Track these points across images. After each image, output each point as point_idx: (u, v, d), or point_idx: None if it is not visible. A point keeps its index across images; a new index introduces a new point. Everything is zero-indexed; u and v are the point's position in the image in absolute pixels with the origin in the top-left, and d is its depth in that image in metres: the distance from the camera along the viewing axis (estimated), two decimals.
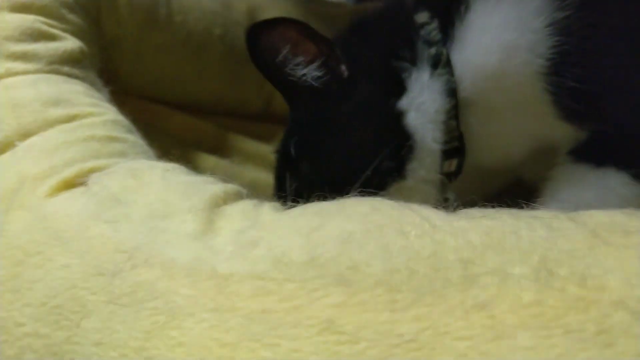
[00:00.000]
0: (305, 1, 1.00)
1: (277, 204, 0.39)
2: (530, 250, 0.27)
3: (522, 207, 0.35)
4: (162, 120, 0.84)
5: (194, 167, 0.79)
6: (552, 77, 0.49)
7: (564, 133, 0.53)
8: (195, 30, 0.83)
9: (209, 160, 0.81)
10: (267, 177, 0.77)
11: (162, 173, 0.43)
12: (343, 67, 0.55)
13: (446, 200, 0.59)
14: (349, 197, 0.36)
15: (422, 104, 0.54)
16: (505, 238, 0.28)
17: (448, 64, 0.54)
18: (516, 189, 0.67)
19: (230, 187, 0.43)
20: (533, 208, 0.35)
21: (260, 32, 0.54)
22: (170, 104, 0.86)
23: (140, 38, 0.79)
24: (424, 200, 0.57)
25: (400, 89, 0.55)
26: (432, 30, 0.56)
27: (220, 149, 0.87)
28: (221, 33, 0.86)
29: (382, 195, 0.53)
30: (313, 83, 0.54)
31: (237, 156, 0.87)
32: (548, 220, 0.30)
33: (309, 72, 0.54)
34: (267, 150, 0.79)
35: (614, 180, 0.50)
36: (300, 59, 0.54)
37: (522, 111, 0.53)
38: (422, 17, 0.58)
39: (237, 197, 0.42)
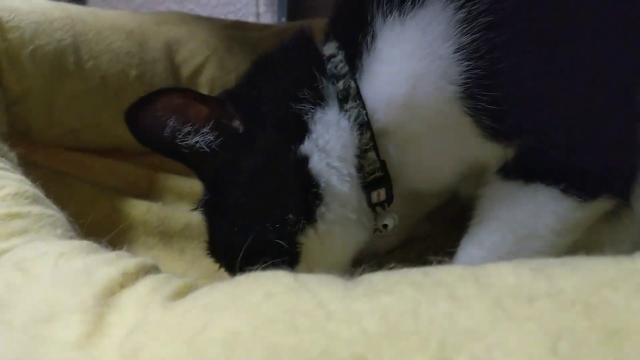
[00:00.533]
0: (226, 28, 0.97)
1: (175, 285, 0.36)
2: (429, 335, 0.25)
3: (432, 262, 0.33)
4: (85, 169, 0.80)
5: (125, 215, 0.78)
6: (468, 101, 0.48)
7: (492, 152, 0.52)
8: (109, 74, 0.79)
9: (140, 206, 0.77)
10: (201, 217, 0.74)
11: (54, 261, 0.39)
12: (237, 123, 0.53)
13: (385, 226, 0.58)
14: (246, 275, 0.33)
15: (327, 144, 0.52)
16: (403, 321, 0.26)
17: (358, 96, 0.52)
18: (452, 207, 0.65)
19: (134, 263, 0.39)
20: (442, 263, 0.33)
21: (140, 109, 0.51)
22: (93, 151, 0.82)
23: (50, 90, 0.75)
24: (356, 235, 0.56)
25: (302, 132, 0.52)
26: (339, 63, 0.54)
27: (151, 192, 0.83)
28: (138, 73, 0.82)
29: (301, 246, 0.52)
30: (207, 149, 0.52)
31: (169, 196, 0.83)
32: (452, 288, 0.28)
33: (201, 138, 0.51)
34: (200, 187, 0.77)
35: (544, 195, 0.50)
36: (188, 127, 0.51)
37: (445, 135, 0.52)
38: (329, 48, 0.56)
39: (141, 273, 0.39)
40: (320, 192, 0.52)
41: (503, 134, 0.50)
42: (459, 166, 0.55)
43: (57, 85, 0.75)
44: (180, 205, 0.82)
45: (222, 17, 1.48)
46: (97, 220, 0.71)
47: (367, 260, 0.73)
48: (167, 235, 0.76)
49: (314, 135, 0.52)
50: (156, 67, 0.85)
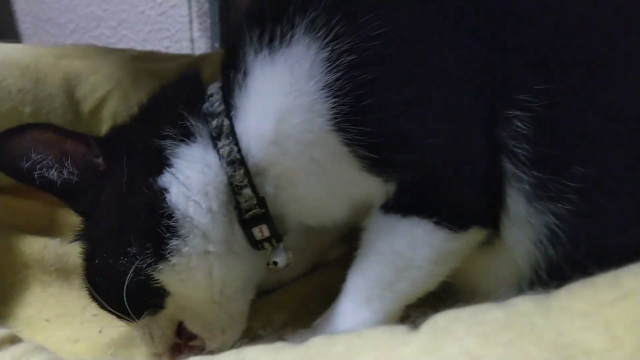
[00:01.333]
0: (134, 59, 0.96)
1: None
2: None
3: None
4: None
5: (20, 253, 0.76)
6: (340, 133, 0.49)
7: (373, 187, 0.53)
8: (1, 112, 0.78)
9: (37, 242, 0.74)
10: None
11: None
12: (99, 160, 0.55)
13: (275, 263, 0.58)
14: None
15: (187, 178, 0.53)
16: None
17: (232, 134, 0.53)
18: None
19: None
20: None
21: (7, 139, 0.53)
22: None
23: None
24: (232, 271, 0.55)
25: (161, 167, 0.53)
26: (215, 101, 0.55)
27: (50, 228, 0.81)
28: (32, 110, 0.80)
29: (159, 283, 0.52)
30: (65, 183, 0.54)
31: (69, 232, 0.82)
32: None
33: (61, 173, 0.54)
34: None
35: (419, 228, 0.52)
36: (48, 161, 0.54)
37: (324, 169, 0.52)
38: (213, 87, 0.56)
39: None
40: (175, 224, 0.51)
41: (379, 165, 0.51)
42: (344, 201, 0.55)
43: None
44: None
45: (157, 42, 1.48)
46: None
47: (272, 288, 0.72)
48: (65, 272, 0.72)
49: (174, 169, 0.53)
50: (53, 103, 0.82)
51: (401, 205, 0.52)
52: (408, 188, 0.52)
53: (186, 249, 0.52)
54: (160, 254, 0.51)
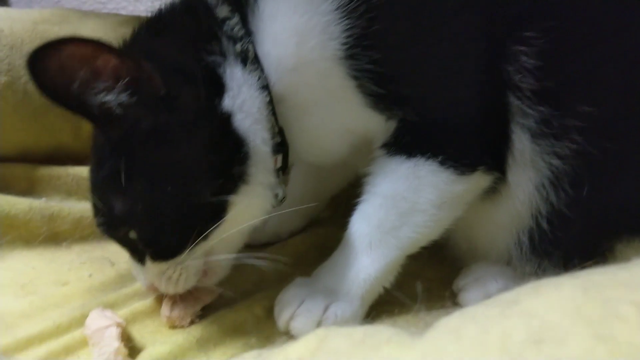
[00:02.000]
0: (120, 24, 0.88)
1: None
2: None
3: None
4: None
5: (5, 214, 0.69)
6: (350, 62, 0.49)
7: (376, 123, 0.53)
8: None
9: (21, 203, 0.71)
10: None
11: None
12: (155, 83, 0.48)
13: (276, 196, 0.57)
14: None
15: (244, 103, 0.51)
16: None
17: (256, 59, 0.51)
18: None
19: None
20: None
21: (45, 57, 0.45)
22: None
23: None
24: (263, 203, 0.54)
25: (220, 89, 0.51)
26: (235, 25, 0.52)
27: (31, 191, 0.77)
28: (8, 80, 0.74)
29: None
30: (118, 109, 0.48)
31: (56, 195, 0.78)
32: None
33: (114, 97, 0.47)
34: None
35: (424, 169, 0.52)
36: (101, 83, 0.47)
37: (332, 103, 0.52)
38: (222, 11, 0.53)
39: None
40: (240, 149, 0.51)
41: (384, 101, 0.51)
42: (346, 137, 0.55)
43: None
44: (69, 201, 0.78)
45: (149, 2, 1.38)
46: None
47: (270, 240, 0.73)
48: (54, 235, 0.72)
49: (231, 93, 0.51)
50: None
51: (406, 145, 0.52)
52: (412, 126, 0.51)
53: (261, 176, 0.52)
54: (227, 180, 0.50)
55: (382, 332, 0.34)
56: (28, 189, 0.77)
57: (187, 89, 0.49)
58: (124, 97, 0.47)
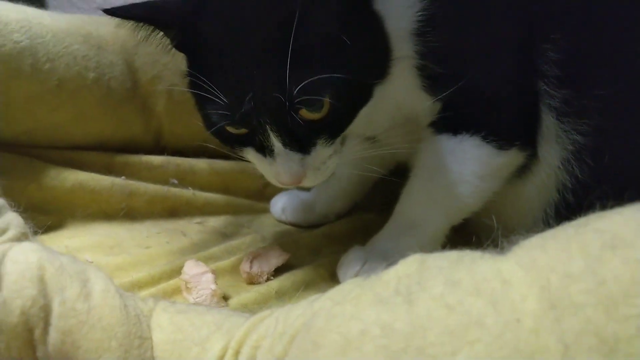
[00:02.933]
0: None
1: None
2: None
3: None
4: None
5: (90, 189, 0.78)
6: (420, 38, 0.58)
7: (423, 104, 0.61)
8: (66, 77, 0.80)
9: (105, 180, 0.80)
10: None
11: None
12: None
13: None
14: None
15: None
16: None
17: None
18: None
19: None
20: None
21: None
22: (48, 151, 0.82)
23: (5, 90, 0.75)
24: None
25: None
26: None
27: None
28: (95, 76, 0.83)
29: None
30: None
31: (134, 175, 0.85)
32: None
33: None
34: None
35: (468, 144, 0.60)
36: None
37: (393, 77, 0.59)
38: None
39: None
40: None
41: (438, 82, 0.59)
42: (393, 113, 0.63)
43: (13, 86, 0.76)
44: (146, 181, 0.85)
45: None
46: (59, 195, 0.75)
47: (319, 221, 0.81)
48: (132, 211, 0.80)
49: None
50: (114, 70, 0.86)
51: (451, 123, 0.60)
52: (457, 106, 0.60)
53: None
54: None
55: (473, 253, 0.38)
56: (106, 174, 0.84)
57: None
58: None
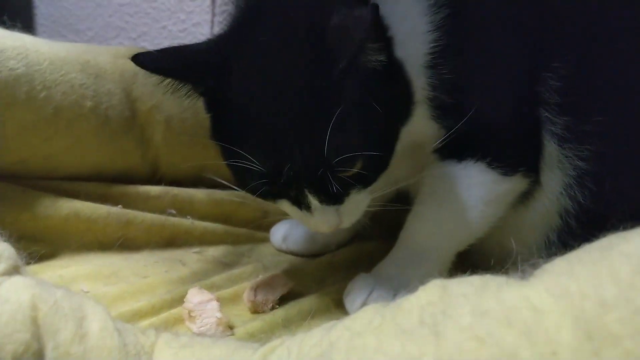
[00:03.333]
0: None
1: None
2: None
3: None
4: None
5: (86, 218, 0.74)
6: (431, 71, 0.59)
7: (431, 132, 0.62)
8: (63, 105, 0.79)
9: (101, 209, 0.78)
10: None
11: None
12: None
13: None
14: None
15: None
16: None
17: None
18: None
19: None
20: None
21: None
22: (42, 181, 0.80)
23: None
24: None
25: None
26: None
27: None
28: (93, 105, 0.82)
29: None
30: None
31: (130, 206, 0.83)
32: None
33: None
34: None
35: (474, 170, 0.61)
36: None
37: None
38: None
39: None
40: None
41: (447, 111, 0.61)
42: (403, 139, 0.62)
43: (8, 114, 0.74)
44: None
45: None
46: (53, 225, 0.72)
47: (321, 251, 0.79)
48: (128, 241, 0.77)
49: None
50: (112, 99, 0.85)
51: (457, 150, 0.61)
52: (463, 133, 0.60)
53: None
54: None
55: (497, 278, 0.37)
56: (102, 204, 0.81)
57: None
58: None
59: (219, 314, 0.55)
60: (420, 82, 0.59)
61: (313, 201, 0.54)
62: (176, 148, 0.92)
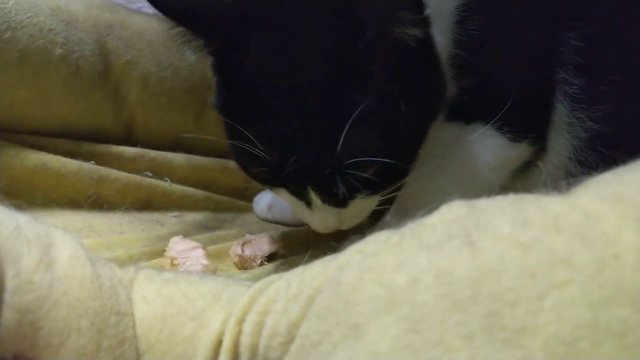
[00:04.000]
0: (161, 21, 0.91)
1: None
2: None
3: None
4: None
5: (54, 171, 0.68)
6: (459, 25, 0.56)
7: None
8: (30, 50, 0.72)
9: (72, 163, 0.71)
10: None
11: None
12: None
13: None
14: None
15: None
16: None
17: None
18: None
19: None
20: None
21: None
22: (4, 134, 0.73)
23: None
24: None
25: None
26: None
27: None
28: (63, 52, 0.75)
29: None
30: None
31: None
32: None
33: None
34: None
35: (482, 133, 0.57)
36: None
37: None
38: None
39: None
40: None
41: (462, 74, 0.58)
42: None
43: None
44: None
45: None
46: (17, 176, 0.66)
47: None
48: (100, 199, 0.71)
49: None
50: (84, 49, 0.78)
51: (466, 112, 0.58)
52: (474, 95, 0.58)
53: None
54: None
55: (532, 194, 0.33)
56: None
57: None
58: None
59: (204, 261, 0.50)
60: (444, 39, 0.56)
61: (315, 199, 0.50)
62: (153, 110, 0.86)
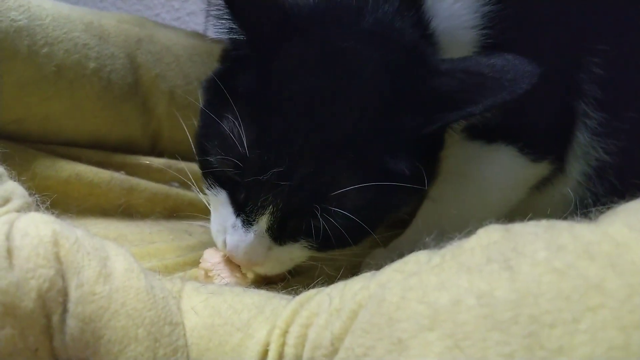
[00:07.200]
0: (188, 36, 0.94)
1: None
2: None
3: None
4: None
5: (88, 181, 0.70)
6: (483, 31, 0.56)
7: None
8: (66, 64, 0.74)
9: (104, 173, 0.73)
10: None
11: None
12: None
13: None
14: None
15: None
16: None
17: None
18: None
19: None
20: None
21: None
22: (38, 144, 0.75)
23: None
24: None
25: None
26: None
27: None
28: (96, 66, 0.78)
29: None
30: None
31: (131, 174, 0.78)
32: None
33: None
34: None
35: (504, 153, 0.59)
36: None
37: None
38: None
39: None
40: None
41: None
42: None
43: (7, 68, 0.69)
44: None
45: None
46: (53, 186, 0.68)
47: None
48: (129, 208, 0.73)
49: None
50: (115, 63, 0.81)
51: (487, 132, 0.58)
52: (503, 118, 0.57)
53: None
54: None
55: (564, 221, 0.35)
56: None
57: None
58: None
59: (238, 274, 0.52)
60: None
61: (262, 222, 0.47)
62: (179, 123, 0.87)
